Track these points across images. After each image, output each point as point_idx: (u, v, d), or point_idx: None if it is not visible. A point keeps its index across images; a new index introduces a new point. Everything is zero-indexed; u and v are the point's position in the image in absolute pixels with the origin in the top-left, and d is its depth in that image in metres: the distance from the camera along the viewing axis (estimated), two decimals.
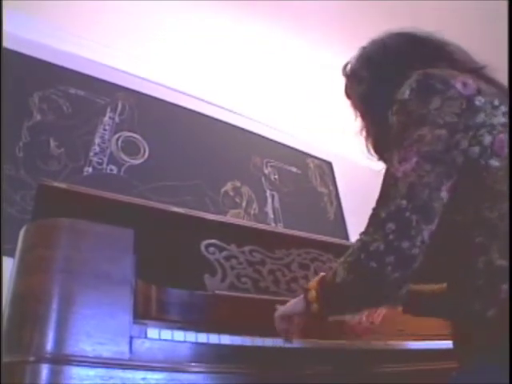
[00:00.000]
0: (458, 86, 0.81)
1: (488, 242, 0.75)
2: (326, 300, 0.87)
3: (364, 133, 1.06)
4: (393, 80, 0.89)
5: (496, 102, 0.82)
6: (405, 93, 0.83)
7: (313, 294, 0.88)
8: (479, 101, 0.80)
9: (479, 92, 0.81)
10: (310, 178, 3.25)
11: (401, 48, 0.98)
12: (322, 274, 0.91)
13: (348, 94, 1.11)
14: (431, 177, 0.75)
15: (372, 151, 1.05)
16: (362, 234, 0.79)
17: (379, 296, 0.82)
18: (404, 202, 0.74)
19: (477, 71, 0.90)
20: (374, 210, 0.79)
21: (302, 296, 0.92)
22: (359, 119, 1.08)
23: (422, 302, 1.12)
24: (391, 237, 0.73)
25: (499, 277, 0.72)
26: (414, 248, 0.73)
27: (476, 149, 0.78)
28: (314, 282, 0.90)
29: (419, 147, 0.77)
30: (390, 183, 0.78)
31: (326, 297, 0.86)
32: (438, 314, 1.13)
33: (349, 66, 1.09)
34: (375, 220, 0.77)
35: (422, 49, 0.96)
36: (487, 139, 0.78)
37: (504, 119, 0.81)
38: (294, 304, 0.95)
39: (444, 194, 0.76)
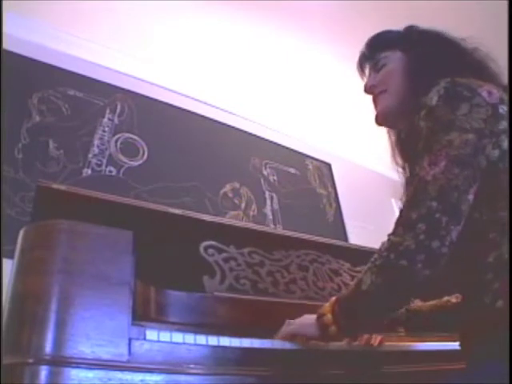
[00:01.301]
0: (484, 94, 0.85)
1: (500, 238, 0.79)
2: (348, 316, 0.87)
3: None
4: (431, 73, 0.93)
5: None
6: (433, 99, 0.86)
7: (328, 317, 0.89)
8: (502, 109, 0.84)
9: (502, 101, 0.85)
10: (309, 180, 3.26)
11: (448, 49, 1.01)
12: (333, 298, 0.92)
13: (379, 49, 1.11)
14: (460, 180, 0.79)
15: (380, 117, 1.07)
16: (391, 235, 0.82)
17: (408, 294, 0.85)
18: (434, 204, 0.77)
19: (500, 82, 0.95)
20: (402, 211, 0.82)
21: (313, 320, 0.92)
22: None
23: (422, 319, 1.15)
24: (422, 237, 0.77)
25: (506, 270, 0.76)
26: (444, 247, 0.77)
27: (496, 152, 0.82)
28: (326, 307, 0.91)
29: (448, 151, 0.80)
30: (419, 186, 0.81)
31: (347, 313, 0.87)
32: (441, 329, 1.15)
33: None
34: (405, 221, 0.80)
35: (462, 56, 1.00)
36: (506, 144, 0.82)
37: None
38: (305, 327, 0.94)
39: (471, 197, 0.80)
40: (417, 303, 1.20)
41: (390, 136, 1.12)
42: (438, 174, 0.79)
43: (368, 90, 1.09)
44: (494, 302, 0.75)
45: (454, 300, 1.08)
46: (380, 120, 1.07)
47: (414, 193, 0.82)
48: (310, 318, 0.94)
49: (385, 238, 0.84)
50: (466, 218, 0.80)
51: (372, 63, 1.11)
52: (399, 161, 1.08)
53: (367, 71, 1.13)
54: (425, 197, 0.79)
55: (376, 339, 1.12)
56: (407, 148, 1.03)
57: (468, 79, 0.89)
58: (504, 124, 0.83)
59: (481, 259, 0.80)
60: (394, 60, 1.06)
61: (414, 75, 1.00)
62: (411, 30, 1.10)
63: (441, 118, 0.84)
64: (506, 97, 0.88)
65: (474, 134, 0.81)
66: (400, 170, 1.07)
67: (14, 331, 0.74)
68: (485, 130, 0.82)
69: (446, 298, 1.11)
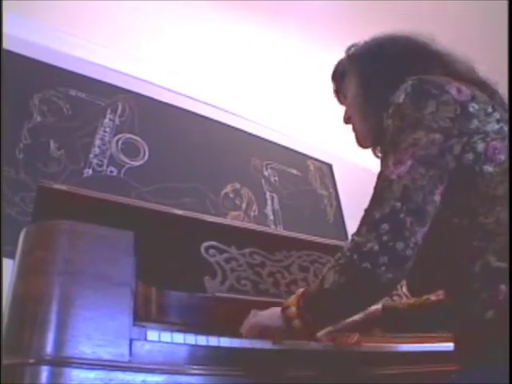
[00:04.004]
0: (453, 91, 0.82)
1: (484, 245, 0.76)
2: (312, 312, 0.85)
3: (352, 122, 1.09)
4: (389, 81, 0.91)
5: (489, 109, 0.83)
6: (400, 97, 0.84)
7: (292, 310, 0.86)
8: (473, 107, 0.82)
9: (473, 98, 0.83)
10: (310, 180, 3.25)
11: (401, 51, 0.98)
12: (301, 289, 0.90)
13: (340, 81, 1.12)
14: (425, 180, 0.77)
15: (360, 142, 1.07)
16: (355, 234, 0.79)
17: (371, 297, 0.83)
18: (398, 204, 0.75)
19: (471, 80, 0.91)
20: (366, 210, 0.80)
21: (278, 312, 0.90)
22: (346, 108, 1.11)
23: (399, 318, 1.14)
24: (385, 237, 0.74)
25: (497, 278, 0.73)
26: (408, 249, 0.74)
27: (470, 155, 0.79)
28: (292, 299, 0.89)
29: (414, 151, 0.78)
30: (384, 185, 0.79)
31: (311, 309, 0.85)
32: (419, 327, 1.14)
33: (352, 52, 1.10)
34: (368, 221, 0.78)
35: (419, 55, 0.97)
36: (480, 146, 0.80)
37: (497, 126, 0.82)
38: (270, 318, 0.93)
39: (437, 198, 0.77)
40: (393, 302, 1.20)
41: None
42: (402, 173, 0.77)
43: (345, 121, 1.10)
44: (484, 312, 0.73)
45: (433, 298, 1.07)
46: (360, 145, 1.07)
47: (378, 191, 0.80)
48: (275, 310, 0.92)
49: None
50: (446, 224, 0.79)
51: (342, 95, 1.12)
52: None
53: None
54: (389, 196, 0.76)
55: (353, 338, 1.10)
56: (371, 138, 1.02)
57: (436, 76, 0.87)
58: (475, 123, 0.80)
59: (466, 267, 0.77)
60: (351, 86, 1.06)
61: (369, 93, 0.99)
62: (350, 52, 1.10)
63: (407, 116, 0.82)
64: (478, 94, 0.85)
65: (441, 134, 0.79)
66: None
67: (15, 331, 0.74)
68: (452, 130, 0.79)
69: (425, 297, 1.09)
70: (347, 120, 1.09)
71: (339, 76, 1.12)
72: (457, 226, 0.80)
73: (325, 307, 0.84)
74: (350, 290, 0.79)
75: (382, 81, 0.95)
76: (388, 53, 0.99)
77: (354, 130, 1.08)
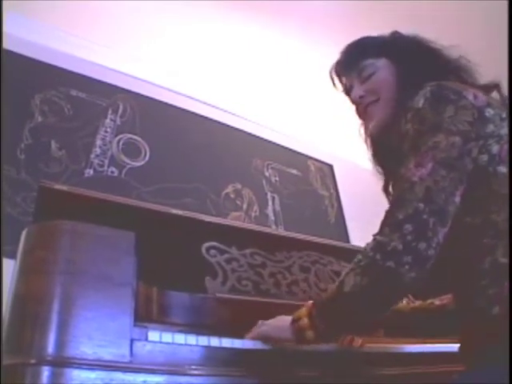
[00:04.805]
0: (470, 97, 0.85)
1: (494, 242, 0.78)
2: (326, 320, 0.85)
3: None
4: (410, 85, 0.93)
5: (504, 115, 0.86)
6: (419, 102, 0.86)
7: (305, 321, 0.86)
8: (489, 112, 0.84)
9: (489, 104, 0.85)
10: (311, 181, 3.25)
11: (422, 56, 1.01)
12: (310, 301, 0.90)
13: (361, 58, 1.07)
14: (446, 182, 0.79)
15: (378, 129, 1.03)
16: (377, 234, 0.80)
17: (393, 298, 0.83)
18: (421, 205, 0.77)
19: (485, 88, 0.94)
20: (388, 212, 0.81)
21: (287, 324, 0.90)
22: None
23: (403, 321, 1.14)
24: (409, 237, 0.76)
25: (503, 274, 0.75)
26: (430, 249, 0.76)
27: (485, 156, 0.82)
28: (302, 311, 0.89)
29: (435, 153, 0.80)
30: (405, 187, 0.81)
31: (326, 317, 0.85)
32: (423, 331, 1.15)
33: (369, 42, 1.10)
34: (391, 221, 0.79)
35: (437, 62, 1.00)
36: (495, 148, 0.82)
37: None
38: (277, 330, 0.92)
39: (457, 199, 0.79)
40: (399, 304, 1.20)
41: (366, 142, 1.11)
42: (424, 175, 0.79)
43: (357, 100, 1.05)
44: (490, 308, 0.75)
45: (437, 302, 1.07)
46: (375, 132, 1.03)
47: (400, 193, 0.81)
48: (284, 321, 0.91)
49: None
50: (459, 223, 0.80)
51: (355, 71, 1.06)
52: (379, 167, 1.09)
53: (345, 79, 1.10)
54: (411, 197, 0.78)
55: (357, 342, 1.10)
56: (388, 152, 1.00)
57: (454, 83, 0.90)
58: (491, 127, 0.83)
59: (476, 264, 0.79)
60: (381, 68, 1.03)
61: (403, 83, 0.99)
62: (395, 37, 1.09)
63: (427, 120, 0.84)
64: (492, 100, 0.88)
65: (460, 137, 0.81)
66: (380, 174, 1.08)
67: (16, 332, 0.74)
68: (471, 133, 0.82)
69: (429, 301, 1.10)
70: (358, 99, 1.04)
71: (365, 51, 1.07)
72: (469, 224, 0.82)
73: (343, 312, 0.84)
74: (372, 291, 0.79)
75: (414, 75, 0.96)
76: (423, 53, 1.02)
77: (366, 113, 1.04)
